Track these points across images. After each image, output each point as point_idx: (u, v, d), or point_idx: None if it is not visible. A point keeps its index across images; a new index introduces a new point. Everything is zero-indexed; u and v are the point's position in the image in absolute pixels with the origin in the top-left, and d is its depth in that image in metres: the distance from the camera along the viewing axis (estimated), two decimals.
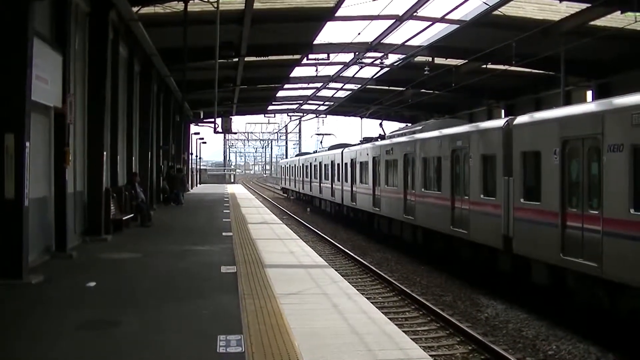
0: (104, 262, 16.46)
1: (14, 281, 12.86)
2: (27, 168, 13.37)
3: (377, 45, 30.70)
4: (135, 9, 22.27)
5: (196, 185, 71.78)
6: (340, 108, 61.56)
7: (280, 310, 10.70)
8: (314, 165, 50.74)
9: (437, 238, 22.67)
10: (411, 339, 9.99)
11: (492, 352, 12.14)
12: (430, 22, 25.29)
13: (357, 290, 13.66)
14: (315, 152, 59.10)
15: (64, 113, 16.93)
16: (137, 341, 9.06)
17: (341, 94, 52.08)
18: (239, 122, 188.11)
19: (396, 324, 10.99)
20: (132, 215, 24.63)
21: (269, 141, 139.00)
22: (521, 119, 17.31)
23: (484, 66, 31.41)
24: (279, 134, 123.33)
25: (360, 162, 34.46)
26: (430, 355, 9.42)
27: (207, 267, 15.27)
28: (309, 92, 53.21)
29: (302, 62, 37.55)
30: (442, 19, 24.58)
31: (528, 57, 25.69)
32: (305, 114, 70.96)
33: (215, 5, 22.06)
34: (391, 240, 28.39)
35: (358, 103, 54.69)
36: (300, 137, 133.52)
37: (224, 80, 38.76)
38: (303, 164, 57.36)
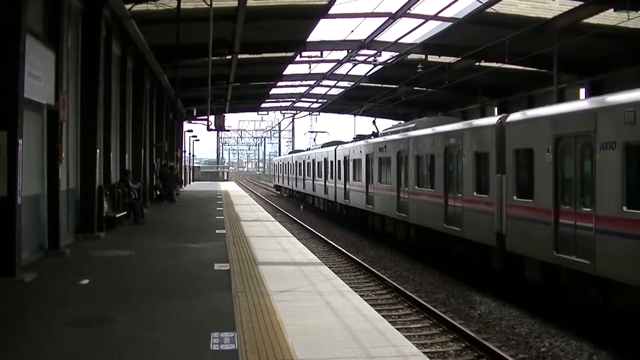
0: (97, 259, 16.43)
1: (7, 279, 12.83)
2: (20, 166, 13.34)
3: (370, 42, 30.73)
4: (128, 6, 22.23)
5: (189, 183, 71.70)
6: (334, 106, 61.61)
7: (274, 308, 10.70)
8: (307, 163, 50.72)
9: (430, 235, 22.69)
10: (404, 336, 10.01)
11: (485, 349, 12.16)
12: (423, 20, 25.37)
13: (350, 287, 13.64)
14: (308, 149, 59.06)
15: (57, 110, 16.89)
16: (130, 339, 9.05)
17: (334, 91, 52.08)
18: (232, 119, 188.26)
19: (389, 321, 11.00)
20: (125, 212, 24.61)
21: (262, 139, 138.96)
22: (514, 116, 17.34)
23: (477, 64, 31.44)
24: (272, 132, 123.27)
25: (354, 160, 34.47)
26: (423, 353, 9.42)
27: (200, 264, 15.26)
28: (302, 90, 53.20)
29: (296, 60, 37.59)
30: (435, 17, 24.63)
31: (521, 54, 25.72)
32: (298, 112, 70.97)
33: (209, 3, 22.04)
34: (384, 238, 28.41)
35: (351, 101, 54.71)
36: (293, 135, 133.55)
37: (217, 78, 38.67)
38: (296, 162, 57.32)
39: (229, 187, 67.36)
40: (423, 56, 32.81)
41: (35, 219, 16.11)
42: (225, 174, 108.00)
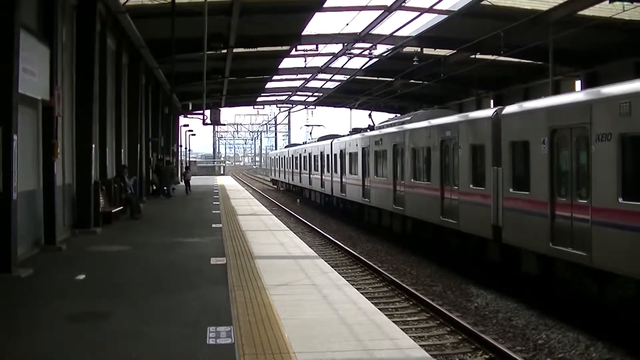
0: (93, 254, 16.43)
1: (3, 274, 12.84)
2: (16, 161, 13.32)
3: (365, 35, 30.67)
4: (122, 1, 22.16)
5: None
6: (330, 99, 61.53)
7: (270, 302, 10.71)
8: (304, 157, 50.71)
9: (426, 228, 22.70)
10: (401, 329, 10.01)
11: (482, 342, 12.17)
12: (418, 13, 25.28)
13: (347, 281, 13.67)
14: (304, 143, 59.03)
15: (52, 106, 16.87)
16: (127, 333, 9.05)
17: (330, 85, 52.03)
18: (228, 113, 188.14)
19: (386, 314, 11.02)
20: (121, 207, 24.60)
21: (259, 133, 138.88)
22: (510, 108, 17.32)
23: (473, 56, 31.45)
24: (268, 126, 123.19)
25: (350, 153, 34.45)
26: (420, 345, 9.44)
27: (196, 259, 15.25)
28: (297, 83, 53.16)
29: (291, 53, 37.52)
30: (430, 9, 24.56)
31: (517, 47, 25.71)
32: (294, 105, 70.90)
33: None
34: (381, 231, 28.42)
35: (347, 94, 54.63)
36: (289, 129, 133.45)
37: (213, 72, 38.66)
38: (292, 155, 57.31)
39: (226, 181, 67.36)
40: (418, 49, 32.75)
41: (31, 214, 16.09)
42: (222, 168, 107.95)
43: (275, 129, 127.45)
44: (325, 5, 27.22)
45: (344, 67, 40.57)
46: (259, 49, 35.81)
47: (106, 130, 24.19)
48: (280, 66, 44.45)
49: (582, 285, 13.91)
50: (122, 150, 29.15)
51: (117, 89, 28.14)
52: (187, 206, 32.08)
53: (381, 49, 34.08)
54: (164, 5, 23.36)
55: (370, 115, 37.95)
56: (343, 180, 35.90)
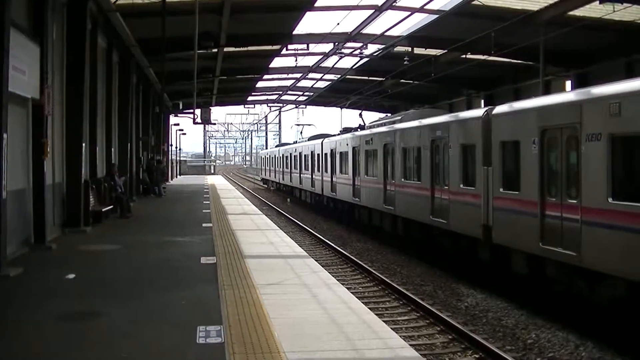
0: (83, 253, 16.38)
1: None
2: (5, 160, 13.26)
3: (356, 35, 30.70)
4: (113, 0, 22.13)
5: (176, 177, 71.51)
6: (320, 98, 61.55)
7: (260, 301, 10.69)
8: (294, 156, 50.70)
9: (417, 228, 22.71)
10: (391, 328, 10.02)
11: (471, 341, 12.19)
12: (409, 12, 25.31)
13: (337, 280, 13.66)
14: (295, 142, 59.01)
15: (42, 104, 16.80)
16: (117, 332, 9.01)
17: (321, 84, 52.05)
18: (218, 112, 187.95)
19: (376, 314, 11.03)
20: (111, 206, 24.54)
21: (249, 132, 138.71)
22: (500, 108, 17.35)
23: (464, 56, 31.48)
24: (259, 125, 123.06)
25: (340, 153, 34.46)
26: (410, 345, 9.44)
27: (186, 258, 15.22)
28: (288, 83, 53.12)
29: (282, 53, 37.52)
30: (421, 9, 24.59)
31: (507, 47, 25.75)
32: (285, 105, 70.89)
33: None
34: (371, 231, 28.43)
35: (338, 93, 54.66)
36: (280, 128, 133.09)
37: (203, 71, 38.59)
38: (283, 155, 57.29)
39: (216, 180, 67.28)
40: (409, 49, 32.80)
41: (20, 213, 16.02)
42: (212, 167, 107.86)
43: (266, 128, 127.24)
44: (316, 4, 27.23)
45: (335, 66, 40.59)
46: (250, 48, 35.75)
47: (96, 129, 24.10)
48: (271, 65, 44.40)
49: (572, 285, 13.94)
50: (113, 149, 29.09)
51: (107, 87, 28.08)
52: (177, 205, 32.00)
53: (372, 48, 34.11)
54: (155, 4, 23.32)
55: (360, 114, 37.97)
56: (333, 179, 35.91)
